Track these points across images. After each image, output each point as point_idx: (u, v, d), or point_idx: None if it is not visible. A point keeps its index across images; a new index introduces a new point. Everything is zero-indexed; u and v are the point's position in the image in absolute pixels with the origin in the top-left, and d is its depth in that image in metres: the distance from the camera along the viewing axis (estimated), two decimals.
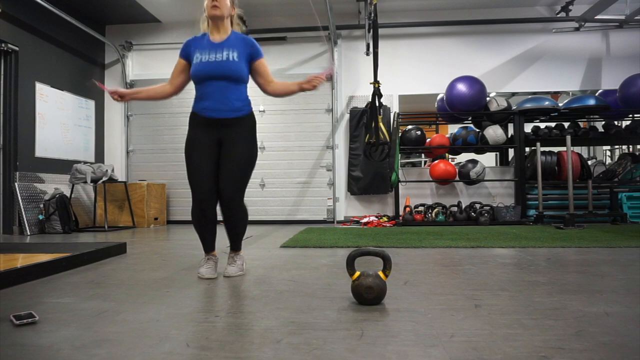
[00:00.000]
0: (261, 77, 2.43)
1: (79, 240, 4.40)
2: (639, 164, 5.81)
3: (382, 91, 5.54)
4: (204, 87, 2.32)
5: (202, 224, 2.37)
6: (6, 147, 5.13)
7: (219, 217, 2.34)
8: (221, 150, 2.34)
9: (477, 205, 5.82)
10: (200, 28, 2.46)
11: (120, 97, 2.39)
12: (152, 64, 6.86)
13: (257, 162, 2.46)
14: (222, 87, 2.29)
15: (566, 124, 6.09)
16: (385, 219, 5.92)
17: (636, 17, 5.94)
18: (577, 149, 7.21)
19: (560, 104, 6.08)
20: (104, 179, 5.59)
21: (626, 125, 6.11)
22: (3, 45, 4.99)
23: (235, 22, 2.47)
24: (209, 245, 2.43)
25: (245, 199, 2.40)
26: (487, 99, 6.10)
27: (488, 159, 7.06)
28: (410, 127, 6.20)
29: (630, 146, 7.39)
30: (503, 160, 6.77)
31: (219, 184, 2.31)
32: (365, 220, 5.85)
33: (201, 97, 2.33)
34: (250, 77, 2.45)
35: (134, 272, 2.46)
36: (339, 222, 6.35)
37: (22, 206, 5.05)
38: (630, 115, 6.25)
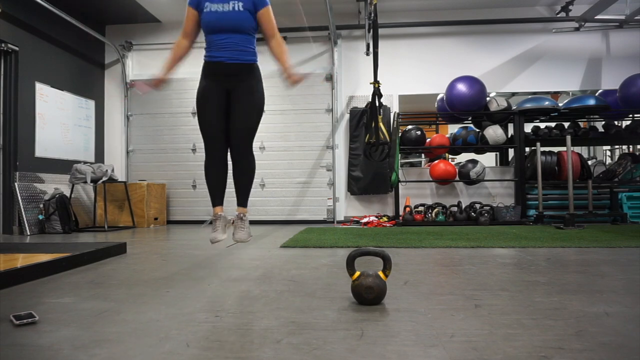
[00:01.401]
0: (265, 28, 2.51)
1: (79, 240, 4.40)
2: (639, 164, 5.81)
3: (382, 91, 5.54)
4: (212, 37, 2.43)
5: (214, 173, 2.49)
6: (6, 147, 5.13)
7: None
8: (231, 99, 2.45)
9: (477, 205, 5.82)
10: None
11: (156, 85, 2.51)
12: (152, 64, 6.86)
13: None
14: (230, 38, 2.40)
15: (566, 124, 6.10)
16: (385, 219, 5.92)
17: (636, 17, 5.94)
18: (577, 149, 7.21)
19: (560, 104, 6.08)
20: (104, 179, 5.60)
21: (626, 125, 6.11)
22: (3, 45, 4.99)
23: None
24: (218, 198, 2.53)
25: None
26: (487, 99, 6.10)
27: (488, 159, 7.06)
28: (410, 127, 6.20)
29: (630, 146, 7.39)
30: (503, 160, 6.77)
31: (230, 130, 2.43)
32: (365, 220, 5.85)
33: (211, 46, 2.44)
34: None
35: (134, 272, 2.47)
36: (339, 222, 6.35)
37: (22, 206, 5.06)
38: (630, 115, 6.25)
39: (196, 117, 2.50)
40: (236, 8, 2.39)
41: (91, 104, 6.52)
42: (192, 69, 2.51)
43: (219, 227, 2.44)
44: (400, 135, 6.04)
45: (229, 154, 2.53)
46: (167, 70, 2.54)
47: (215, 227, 2.46)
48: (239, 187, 2.54)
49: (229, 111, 2.46)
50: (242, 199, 2.56)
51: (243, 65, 2.43)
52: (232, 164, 2.49)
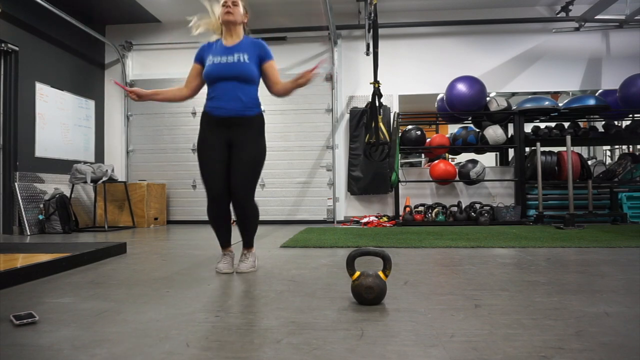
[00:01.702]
0: (269, 78, 2.51)
1: (79, 240, 4.40)
2: (639, 164, 5.82)
3: (382, 91, 5.54)
4: (215, 87, 2.41)
5: (217, 221, 2.50)
6: (6, 147, 5.13)
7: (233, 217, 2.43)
8: (231, 150, 2.42)
9: (477, 205, 5.82)
10: (214, 36, 2.55)
11: (138, 97, 2.45)
12: (152, 64, 6.86)
13: (265, 160, 2.51)
14: (234, 87, 2.37)
15: (566, 124, 6.09)
16: (385, 219, 5.92)
17: (636, 17, 5.94)
18: (577, 149, 7.21)
19: (560, 104, 6.08)
20: (104, 179, 5.60)
21: (626, 125, 6.11)
22: (3, 45, 4.99)
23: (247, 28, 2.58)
24: (224, 241, 2.56)
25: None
26: (487, 99, 6.10)
27: (488, 159, 7.06)
28: (410, 127, 6.20)
29: (630, 146, 7.39)
30: (503, 160, 6.77)
31: (231, 184, 2.40)
32: (365, 220, 5.85)
33: (213, 97, 2.42)
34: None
35: (134, 272, 2.47)
36: (339, 222, 6.35)
37: (22, 206, 5.05)
38: (630, 115, 6.25)
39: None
40: (241, 60, 2.39)
41: (91, 104, 6.52)
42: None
43: (227, 262, 2.50)
44: (400, 135, 6.04)
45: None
46: (156, 97, 2.51)
47: (223, 260, 2.51)
48: (243, 232, 2.55)
49: (230, 159, 2.41)
50: (247, 242, 2.58)
51: (244, 119, 2.39)
52: (235, 212, 2.46)
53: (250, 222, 2.52)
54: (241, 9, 2.46)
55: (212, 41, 2.51)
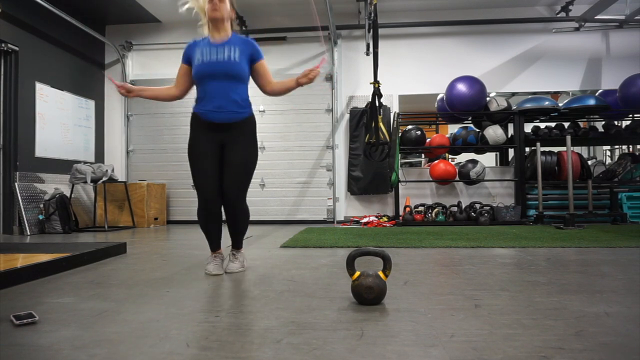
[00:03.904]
0: (261, 78, 2.48)
1: (79, 240, 4.40)
2: (639, 164, 5.81)
3: (382, 91, 5.53)
4: (205, 87, 2.36)
5: (208, 223, 2.48)
6: (6, 147, 5.13)
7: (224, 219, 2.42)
8: (223, 152, 2.40)
9: (477, 205, 5.82)
10: (202, 33, 2.50)
11: (127, 92, 2.43)
12: (152, 64, 6.86)
13: (257, 162, 2.51)
14: (224, 87, 2.33)
15: (566, 124, 6.09)
16: (385, 219, 5.92)
17: (636, 17, 5.94)
18: (577, 149, 7.21)
19: (560, 104, 6.08)
20: (104, 179, 5.59)
21: (626, 125, 6.10)
22: (3, 45, 4.99)
23: (235, 23, 2.53)
24: (214, 244, 2.53)
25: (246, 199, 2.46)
26: (487, 99, 6.10)
27: (488, 159, 7.06)
28: (410, 127, 6.20)
29: (630, 146, 7.39)
30: (503, 160, 6.77)
31: (223, 186, 2.38)
32: (365, 220, 5.85)
33: (202, 98, 2.37)
34: (250, 78, 2.49)
35: (134, 272, 2.47)
36: (339, 222, 6.35)
37: (22, 206, 5.05)
38: (630, 115, 6.24)
39: (189, 166, 2.47)
40: (232, 57, 2.34)
41: (91, 104, 6.52)
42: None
43: (217, 264, 2.47)
44: (400, 135, 6.04)
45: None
46: (144, 93, 2.48)
47: (213, 262, 2.49)
48: (232, 233, 2.54)
49: (222, 161, 2.39)
50: (236, 243, 2.56)
51: (237, 122, 2.37)
52: (225, 214, 2.45)
53: (240, 223, 2.50)
54: (227, 5, 2.39)
55: (198, 39, 2.45)
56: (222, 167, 2.39)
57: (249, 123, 2.43)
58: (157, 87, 2.54)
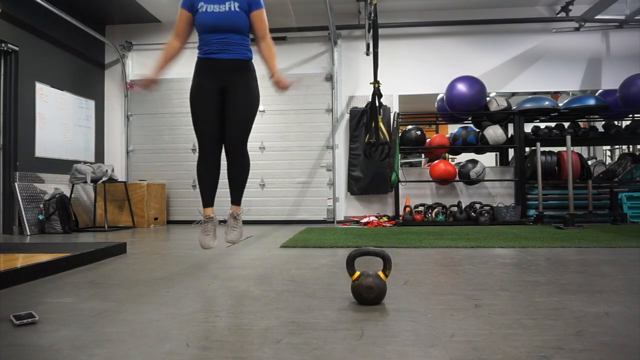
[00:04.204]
0: (256, 28, 2.52)
1: (79, 240, 4.40)
2: (639, 164, 5.81)
3: (382, 91, 5.53)
4: (208, 35, 2.43)
5: (206, 173, 2.49)
6: (6, 147, 5.13)
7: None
8: (225, 97, 2.44)
9: (477, 205, 5.82)
10: None
11: (151, 83, 2.51)
12: (152, 64, 6.85)
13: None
14: (227, 37, 2.41)
15: (566, 124, 6.09)
16: (385, 219, 5.92)
17: (636, 17, 5.94)
18: (577, 149, 7.21)
19: (560, 104, 6.08)
20: (104, 179, 5.59)
21: (626, 125, 6.11)
22: (3, 45, 4.99)
23: None
24: (208, 198, 2.54)
25: (245, 198, 2.46)
26: (487, 99, 6.10)
27: (488, 159, 7.06)
28: (410, 127, 6.20)
29: (630, 146, 7.39)
30: (503, 160, 6.77)
31: (225, 131, 2.42)
32: (365, 220, 5.85)
33: (206, 43, 2.44)
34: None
35: (134, 272, 2.46)
36: (339, 222, 6.35)
37: (22, 206, 5.05)
38: (630, 115, 6.25)
39: (190, 115, 2.50)
40: (232, 8, 2.40)
41: (91, 104, 6.52)
42: (191, 70, 2.53)
43: (210, 232, 2.46)
44: (400, 135, 6.04)
45: (222, 153, 2.53)
46: (158, 70, 2.54)
47: (206, 230, 2.47)
48: (233, 184, 2.54)
49: (224, 109, 2.44)
50: (237, 197, 2.56)
51: (238, 61, 2.43)
52: (227, 162, 2.48)
53: (242, 171, 2.52)
54: None
55: None
56: (224, 113, 2.43)
57: (251, 67, 2.50)
58: (161, 56, 2.56)
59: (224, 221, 2.58)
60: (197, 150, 2.48)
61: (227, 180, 2.56)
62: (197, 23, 2.45)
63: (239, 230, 2.52)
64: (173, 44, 2.54)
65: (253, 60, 2.53)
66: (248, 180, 2.62)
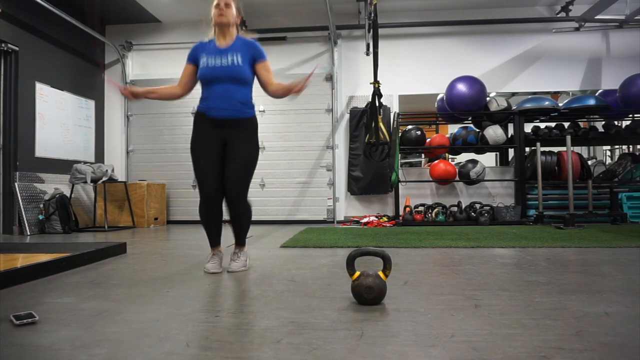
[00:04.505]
0: (263, 79, 2.52)
1: (79, 240, 4.40)
2: (639, 164, 5.81)
3: (382, 91, 5.54)
4: (210, 89, 2.43)
5: (209, 220, 2.52)
6: (6, 147, 5.13)
7: (225, 218, 2.47)
8: (225, 150, 2.45)
9: (477, 205, 5.82)
10: (208, 35, 2.57)
11: (132, 95, 2.48)
12: (152, 64, 6.86)
13: (257, 161, 2.54)
14: (228, 89, 2.40)
15: (566, 124, 6.09)
16: (385, 219, 5.92)
17: (636, 17, 5.94)
18: (577, 149, 7.21)
19: (560, 104, 6.08)
20: (104, 179, 5.59)
21: (626, 125, 6.10)
22: (3, 45, 4.99)
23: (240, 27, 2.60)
24: (214, 240, 2.57)
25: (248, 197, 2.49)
26: (487, 99, 6.10)
27: (488, 159, 7.06)
28: (410, 127, 6.20)
29: (630, 146, 7.38)
30: (503, 160, 6.77)
31: (225, 184, 2.43)
32: (365, 220, 5.85)
33: (207, 98, 2.44)
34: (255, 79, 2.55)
35: (134, 272, 2.47)
36: (339, 222, 6.35)
37: (22, 206, 5.05)
38: (630, 115, 6.25)
39: (191, 163, 2.50)
40: (235, 62, 2.41)
41: (91, 104, 6.52)
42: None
43: (216, 262, 2.50)
44: (400, 135, 6.04)
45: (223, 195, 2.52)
46: (148, 94, 2.52)
47: (212, 260, 2.51)
48: (235, 231, 2.56)
49: (224, 159, 2.44)
50: (239, 240, 2.59)
51: (239, 120, 2.42)
52: (228, 211, 2.48)
53: (243, 221, 2.54)
54: (234, 11, 2.47)
55: (205, 41, 2.53)
56: (224, 166, 2.44)
57: (251, 123, 2.49)
58: (161, 88, 2.58)
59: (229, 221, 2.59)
60: (199, 194, 2.48)
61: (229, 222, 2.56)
62: (200, 76, 2.45)
63: (243, 261, 2.54)
64: (175, 89, 2.56)
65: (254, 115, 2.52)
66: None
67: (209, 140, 2.43)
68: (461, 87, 5.90)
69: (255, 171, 2.56)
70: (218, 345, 1.26)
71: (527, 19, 6.39)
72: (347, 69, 6.60)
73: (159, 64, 6.83)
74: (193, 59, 2.51)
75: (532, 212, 5.73)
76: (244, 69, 2.42)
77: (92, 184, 5.59)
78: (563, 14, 6.25)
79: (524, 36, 6.47)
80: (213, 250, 2.57)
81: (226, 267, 2.53)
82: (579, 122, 6.12)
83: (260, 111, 6.40)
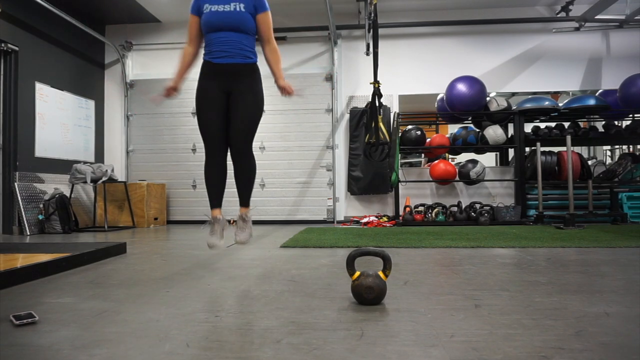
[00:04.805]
0: (262, 33, 2.54)
1: (79, 240, 4.40)
2: (639, 164, 5.81)
3: (382, 91, 5.54)
4: (213, 36, 2.45)
5: (213, 175, 2.51)
6: (6, 147, 5.13)
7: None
8: (230, 99, 2.46)
9: (477, 205, 5.82)
10: None
11: (174, 92, 2.55)
12: (152, 64, 6.86)
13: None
14: (231, 36, 2.42)
15: (566, 124, 6.09)
16: (385, 219, 5.92)
17: (636, 17, 5.94)
18: (577, 149, 7.21)
19: (560, 104, 6.08)
20: (104, 179, 5.59)
21: (626, 125, 6.10)
22: (3, 45, 4.99)
23: None
24: (217, 201, 2.55)
25: None
26: (487, 99, 6.10)
27: (488, 159, 7.06)
28: (410, 127, 6.20)
29: (631, 146, 7.38)
30: (503, 160, 6.77)
31: (230, 133, 2.44)
32: (365, 220, 5.85)
33: (211, 45, 2.46)
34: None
35: (134, 272, 2.46)
36: (339, 222, 6.35)
37: (22, 206, 5.05)
38: (631, 115, 6.25)
39: (196, 117, 2.51)
40: (237, 9, 2.42)
41: (91, 104, 6.52)
42: (192, 69, 2.55)
43: (217, 232, 2.48)
44: (400, 135, 6.04)
45: (228, 155, 2.54)
46: (179, 78, 2.57)
47: (213, 230, 2.49)
48: (240, 187, 2.56)
49: (229, 111, 2.46)
50: (244, 199, 2.58)
51: (243, 65, 2.45)
52: (233, 165, 2.50)
53: (248, 174, 2.54)
54: None
55: None
56: (229, 116, 2.45)
57: (255, 71, 2.51)
58: (180, 65, 2.58)
59: (235, 221, 2.59)
60: (204, 152, 2.49)
61: (234, 181, 2.56)
62: (203, 23, 2.46)
63: (249, 231, 2.54)
64: (188, 50, 2.57)
65: (258, 63, 2.55)
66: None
67: (214, 91, 2.44)
68: (461, 87, 5.90)
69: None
70: (218, 345, 1.26)
71: (527, 19, 6.39)
72: (347, 69, 6.60)
73: (159, 64, 6.83)
74: (197, 10, 2.51)
75: (532, 212, 5.73)
76: (246, 16, 2.43)
77: (92, 184, 5.59)
78: (563, 14, 6.25)
79: (524, 36, 6.47)
80: (214, 212, 2.53)
81: (234, 238, 2.50)
82: (579, 122, 6.11)
83: None
